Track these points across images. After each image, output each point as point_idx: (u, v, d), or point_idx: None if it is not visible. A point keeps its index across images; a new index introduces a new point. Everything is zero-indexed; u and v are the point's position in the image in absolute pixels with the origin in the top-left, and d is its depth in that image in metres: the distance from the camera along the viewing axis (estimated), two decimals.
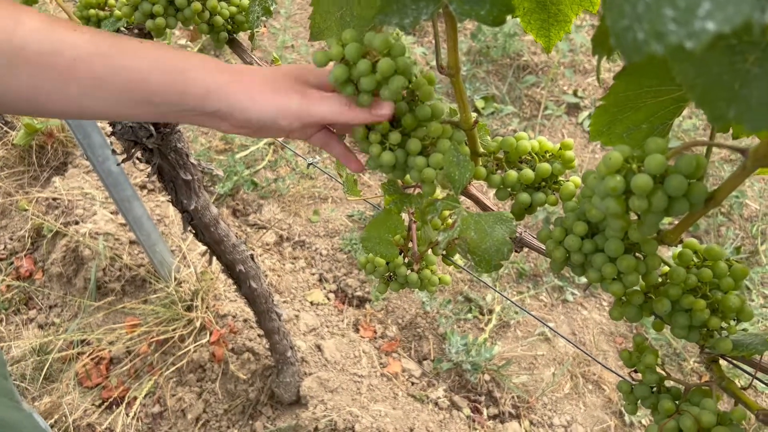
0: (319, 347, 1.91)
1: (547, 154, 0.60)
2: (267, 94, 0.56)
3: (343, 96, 0.55)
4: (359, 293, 2.12)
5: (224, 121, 0.57)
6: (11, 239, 2.25)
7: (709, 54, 0.31)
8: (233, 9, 0.80)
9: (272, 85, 0.56)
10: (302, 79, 0.58)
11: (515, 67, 2.91)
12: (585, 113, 2.72)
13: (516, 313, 2.05)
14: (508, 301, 1.55)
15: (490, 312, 2.06)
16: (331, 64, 0.54)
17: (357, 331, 2.03)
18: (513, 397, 1.86)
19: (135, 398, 1.84)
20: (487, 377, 1.89)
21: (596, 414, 1.83)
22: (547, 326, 1.41)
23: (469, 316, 2.04)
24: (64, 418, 1.80)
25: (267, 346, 1.84)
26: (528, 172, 0.58)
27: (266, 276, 2.11)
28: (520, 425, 1.80)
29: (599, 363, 1.22)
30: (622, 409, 1.83)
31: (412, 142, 0.57)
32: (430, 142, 0.58)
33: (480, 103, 2.75)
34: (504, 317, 2.04)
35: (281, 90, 0.56)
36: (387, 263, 0.75)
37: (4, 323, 2.06)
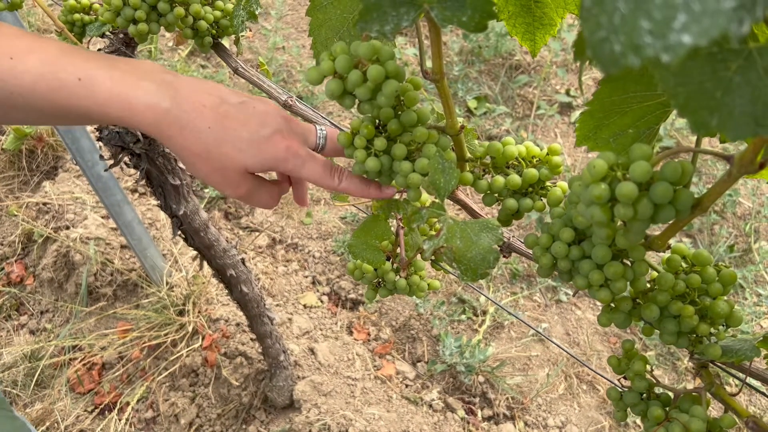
0: (312, 350, 1.90)
1: (534, 160, 0.59)
2: (210, 173, 0.57)
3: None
4: (353, 296, 2.12)
5: None
6: (1, 245, 2.24)
7: (690, 62, 0.31)
8: (217, 13, 0.80)
9: (215, 164, 0.57)
10: (247, 163, 0.58)
11: (507, 67, 2.91)
12: (578, 112, 2.72)
13: (510, 313, 2.04)
14: (501, 304, 1.54)
15: (484, 313, 2.05)
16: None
17: (350, 333, 2.02)
18: (507, 399, 1.85)
19: (127, 404, 1.83)
20: (481, 379, 1.88)
21: (591, 414, 1.82)
22: (537, 331, 1.41)
23: (463, 317, 2.04)
24: (56, 424, 1.79)
25: (260, 350, 1.84)
26: (515, 178, 0.57)
27: (259, 279, 2.10)
28: (515, 426, 1.79)
29: (590, 368, 1.22)
30: None
31: (398, 147, 0.56)
32: (415, 147, 0.57)
33: (472, 103, 2.74)
34: (498, 318, 2.04)
35: (216, 172, 0.57)
36: (375, 269, 0.74)
37: None
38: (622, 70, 0.25)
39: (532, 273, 2.18)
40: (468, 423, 1.80)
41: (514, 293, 2.12)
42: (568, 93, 2.81)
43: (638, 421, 1.81)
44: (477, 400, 1.86)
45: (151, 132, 0.54)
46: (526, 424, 1.80)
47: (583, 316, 2.06)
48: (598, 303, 2.11)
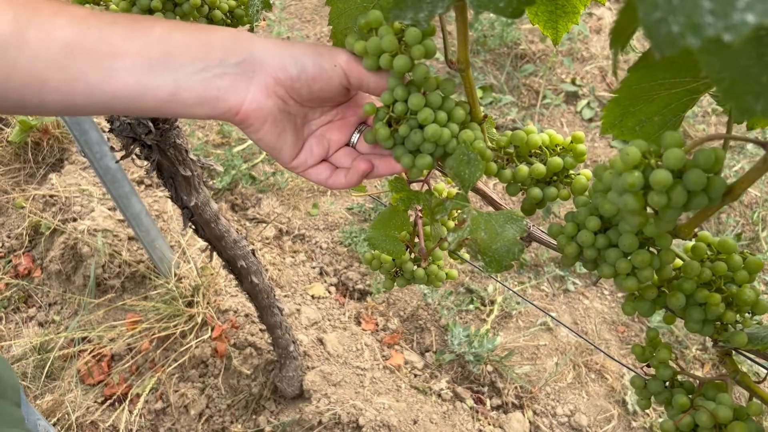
0: (321, 341, 1.90)
1: (558, 148, 0.59)
2: (302, 42, 0.54)
3: None
4: (360, 286, 2.12)
5: (254, 75, 0.52)
6: (9, 237, 2.24)
7: (736, 46, 0.30)
8: (232, 3, 0.79)
9: (306, 44, 0.54)
10: None
11: (513, 56, 2.89)
12: (584, 102, 2.71)
13: (518, 303, 2.04)
14: (510, 292, 1.54)
15: (492, 303, 2.05)
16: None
17: (359, 324, 2.03)
18: (516, 388, 1.86)
19: (137, 395, 1.84)
20: (489, 368, 1.89)
21: (599, 403, 1.83)
22: (550, 315, 1.41)
23: (471, 307, 2.04)
24: (66, 416, 1.80)
25: (269, 341, 1.84)
26: (539, 167, 0.57)
27: (266, 270, 2.10)
28: (524, 415, 1.80)
29: (603, 352, 1.22)
30: (625, 397, 1.83)
31: (440, 114, 0.54)
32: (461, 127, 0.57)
33: (478, 93, 2.73)
34: (506, 308, 2.04)
35: (321, 47, 0.54)
36: (393, 259, 0.74)
37: (3, 322, 2.05)
38: (678, 51, 0.24)
39: (540, 263, 2.17)
40: (477, 412, 1.80)
41: (522, 283, 2.12)
42: (573, 82, 2.80)
43: (647, 410, 1.82)
44: (486, 389, 1.87)
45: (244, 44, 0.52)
46: (534, 413, 1.81)
47: (591, 305, 2.06)
48: (606, 292, 2.11)
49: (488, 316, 2.02)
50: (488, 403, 1.84)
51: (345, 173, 0.59)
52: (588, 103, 2.70)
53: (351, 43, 0.52)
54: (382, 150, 0.60)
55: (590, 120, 2.66)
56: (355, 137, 0.61)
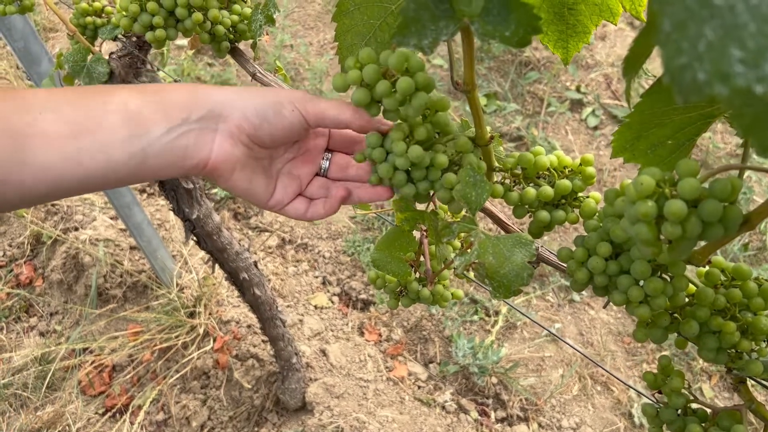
0: (324, 352, 1.89)
1: (566, 170, 0.58)
2: (259, 90, 0.54)
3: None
4: (363, 296, 2.10)
5: (218, 126, 0.52)
6: (10, 246, 2.23)
7: None
8: (235, 18, 0.78)
9: (264, 91, 0.54)
10: None
11: (517, 63, 2.88)
12: (588, 109, 2.69)
13: (522, 314, 2.03)
14: (514, 305, 1.53)
15: (497, 313, 2.04)
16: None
17: (362, 334, 2.01)
18: (521, 400, 1.84)
19: (139, 406, 1.82)
20: (494, 380, 1.87)
21: (605, 415, 1.81)
22: (549, 331, 1.39)
23: (475, 317, 2.02)
24: (67, 427, 1.78)
25: (271, 352, 1.83)
26: (547, 189, 0.56)
27: (269, 280, 2.09)
28: (529, 428, 1.78)
29: (604, 369, 1.20)
30: (632, 410, 1.81)
31: (439, 157, 0.54)
32: (458, 157, 0.56)
33: (482, 101, 2.72)
34: (510, 318, 2.02)
35: (278, 92, 0.54)
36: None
37: (5, 331, 2.04)
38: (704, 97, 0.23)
39: (545, 272, 2.16)
40: (481, 425, 1.78)
41: (527, 293, 2.11)
42: (578, 90, 2.78)
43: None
44: (490, 401, 1.85)
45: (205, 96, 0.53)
46: (540, 425, 1.79)
47: (597, 316, 2.04)
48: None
49: (493, 327, 2.00)
50: (493, 415, 1.82)
51: (323, 203, 0.59)
52: (593, 111, 2.69)
53: (337, 83, 0.51)
54: (360, 175, 0.61)
55: (595, 128, 2.64)
56: (325, 164, 0.61)
